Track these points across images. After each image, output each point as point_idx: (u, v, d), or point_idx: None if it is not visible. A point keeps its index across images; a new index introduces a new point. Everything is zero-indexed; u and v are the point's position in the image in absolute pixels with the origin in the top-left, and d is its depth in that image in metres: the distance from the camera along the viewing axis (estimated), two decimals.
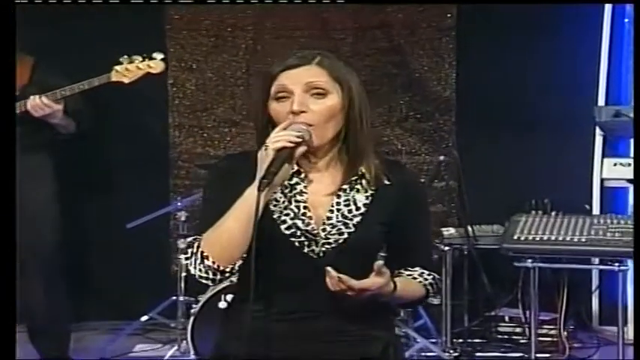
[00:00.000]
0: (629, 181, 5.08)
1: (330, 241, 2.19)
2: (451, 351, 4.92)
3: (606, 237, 4.02)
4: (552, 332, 5.09)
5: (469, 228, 4.88)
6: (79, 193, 5.63)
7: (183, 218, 4.98)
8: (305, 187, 2.23)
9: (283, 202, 2.21)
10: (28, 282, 4.49)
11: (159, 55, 4.50)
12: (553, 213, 4.28)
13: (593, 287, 5.59)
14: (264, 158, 2.09)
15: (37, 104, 4.40)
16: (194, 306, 4.50)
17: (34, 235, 4.49)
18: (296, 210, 2.20)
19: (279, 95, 2.20)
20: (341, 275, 2.07)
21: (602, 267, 4.74)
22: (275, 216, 2.19)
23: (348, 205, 2.22)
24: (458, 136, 5.84)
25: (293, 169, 2.19)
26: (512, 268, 4.45)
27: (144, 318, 5.15)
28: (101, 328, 5.61)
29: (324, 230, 2.19)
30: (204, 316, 4.38)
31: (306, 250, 2.19)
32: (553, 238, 4.08)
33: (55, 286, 4.66)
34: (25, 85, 4.50)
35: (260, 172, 2.09)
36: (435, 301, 4.73)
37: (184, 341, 4.59)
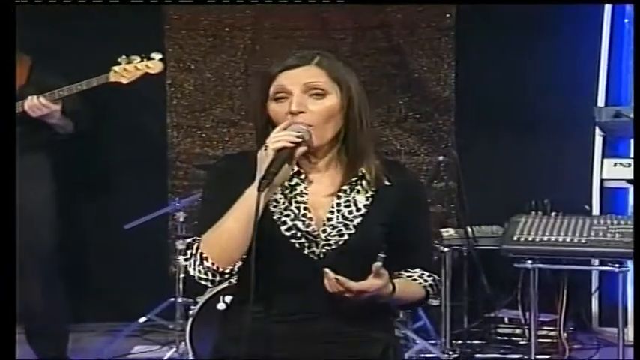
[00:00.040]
0: (629, 181, 5.07)
1: (330, 242, 2.18)
2: (450, 352, 4.91)
3: (606, 238, 4.01)
4: (552, 333, 5.08)
5: (468, 229, 4.87)
6: (77, 193, 5.62)
7: (181, 219, 4.97)
8: (305, 188, 2.22)
9: (283, 203, 2.19)
10: (26, 282, 4.47)
11: (157, 56, 4.49)
12: (553, 214, 4.27)
13: (593, 288, 5.58)
14: (264, 158, 2.08)
15: (34, 104, 4.38)
16: (192, 307, 4.48)
17: (31, 235, 4.47)
18: (296, 211, 2.18)
19: (277, 95, 2.19)
20: (339, 277, 2.06)
21: (602, 268, 4.73)
22: (275, 217, 2.18)
23: (348, 207, 2.21)
24: (457, 136, 5.83)
25: (293, 169, 2.17)
26: (512, 269, 4.44)
27: (142, 319, 5.14)
28: (99, 329, 5.59)
29: (324, 231, 2.18)
30: (202, 318, 4.36)
31: (306, 251, 2.17)
32: (553, 239, 4.07)
33: (53, 286, 4.65)
34: (23, 86, 4.48)
35: (260, 173, 2.08)
36: (435, 302, 4.72)
37: (183, 343, 4.57)
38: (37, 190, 4.56)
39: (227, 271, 2.15)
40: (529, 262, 4.23)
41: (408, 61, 5.85)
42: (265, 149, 2.09)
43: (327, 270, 2.07)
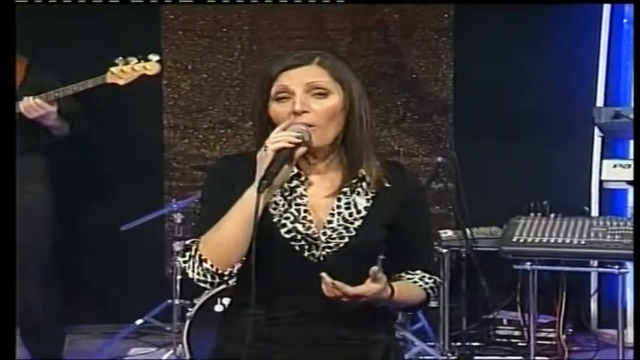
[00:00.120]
0: (628, 182, 5.05)
1: (330, 245, 2.16)
2: (449, 354, 4.90)
3: (606, 239, 4.00)
4: (551, 335, 5.07)
5: (467, 230, 4.86)
6: (74, 195, 5.58)
7: (178, 220, 4.94)
8: (305, 189, 2.20)
9: (283, 205, 2.18)
10: (22, 284, 4.44)
11: (154, 57, 4.47)
12: (552, 215, 4.26)
13: (592, 290, 5.57)
14: (264, 159, 2.07)
15: (30, 105, 4.36)
16: (190, 309, 4.46)
17: (27, 237, 4.43)
18: (296, 213, 2.17)
19: (279, 96, 2.17)
20: (335, 282, 2.05)
21: (601, 269, 4.72)
22: (275, 219, 2.16)
23: (348, 208, 2.19)
24: (456, 137, 5.82)
25: (293, 171, 2.15)
26: (511, 270, 4.44)
27: (139, 321, 5.11)
28: (95, 331, 5.56)
29: (324, 234, 2.16)
30: (200, 320, 4.33)
31: (306, 254, 2.16)
32: (552, 240, 4.06)
33: (48, 288, 4.63)
34: (19, 86, 4.46)
35: (260, 174, 2.06)
36: (433, 304, 4.69)
37: (180, 345, 4.56)
38: (33, 192, 4.53)
39: (226, 273, 2.13)
40: (528, 263, 4.22)
41: (406, 62, 5.83)
42: (265, 150, 2.07)
43: (323, 275, 2.06)
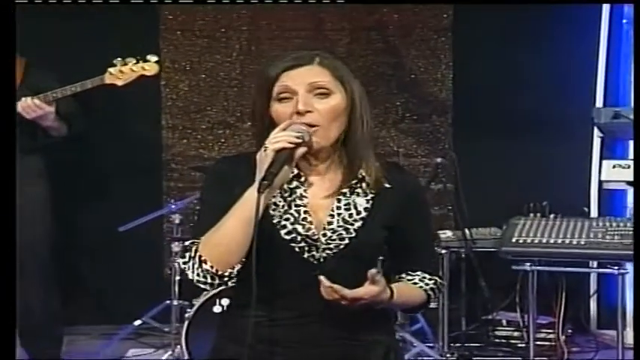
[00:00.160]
0: (628, 183, 5.04)
1: (330, 246, 2.16)
2: (448, 355, 4.89)
3: (605, 240, 3.98)
4: (550, 336, 5.08)
5: (466, 231, 4.86)
6: (72, 195, 5.57)
7: (177, 221, 4.93)
8: (305, 190, 2.19)
9: (283, 206, 2.17)
10: (20, 284, 4.43)
11: (153, 57, 4.47)
12: (551, 216, 4.24)
13: (592, 291, 5.56)
14: (264, 159, 2.06)
15: (28, 106, 4.36)
16: (188, 310, 4.45)
17: (25, 237, 4.42)
18: (296, 214, 2.16)
19: (281, 96, 2.16)
20: (333, 285, 2.05)
21: (601, 270, 4.71)
22: (275, 221, 2.15)
23: (348, 209, 2.18)
24: (455, 137, 5.82)
25: (293, 172, 2.14)
26: (510, 271, 4.42)
27: (137, 322, 5.11)
28: (94, 332, 5.56)
29: (324, 235, 2.16)
30: (198, 321, 4.33)
31: (306, 255, 2.15)
32: (551, 241, 4.05)
33: (46, 289, 4.63)
34: (17, 87, 4.44)
35: (260, 174, 2.05)
36: (432, 304, 4.69)
37: (178, 346, 4.55)
38: (31, 193, 4.52)
39: (226, 274, 2.12)
40: (527, 264, 4.21)
41: (405, 62, 5.83)
42: (265, 150, 2.06)
43: (321, 277, 2.06)
